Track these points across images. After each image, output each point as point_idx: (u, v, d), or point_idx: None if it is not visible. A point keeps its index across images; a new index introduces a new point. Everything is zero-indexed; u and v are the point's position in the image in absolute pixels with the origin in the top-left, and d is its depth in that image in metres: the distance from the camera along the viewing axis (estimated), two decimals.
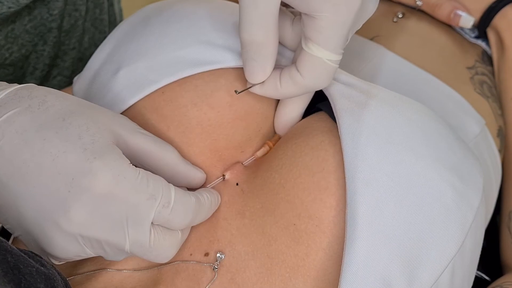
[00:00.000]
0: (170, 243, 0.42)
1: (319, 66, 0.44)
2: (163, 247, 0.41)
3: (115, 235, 0.39)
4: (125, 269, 0.45)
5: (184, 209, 0.41)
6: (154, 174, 0.41)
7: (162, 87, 0.49)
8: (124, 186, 0.39)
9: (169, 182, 0.42)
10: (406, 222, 0.42)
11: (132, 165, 0.41)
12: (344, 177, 0.44)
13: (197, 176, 0.46)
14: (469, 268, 0.47)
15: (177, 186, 0.43)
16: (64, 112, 0.40)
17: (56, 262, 0.42)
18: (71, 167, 0.38)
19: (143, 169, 0.41)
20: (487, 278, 0.67)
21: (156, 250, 0.41)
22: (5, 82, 0.42)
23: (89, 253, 0.40)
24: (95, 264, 0.45)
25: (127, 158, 0.41)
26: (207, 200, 0.44)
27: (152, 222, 0.40)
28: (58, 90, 0.43)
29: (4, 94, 0.40)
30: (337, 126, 0.46)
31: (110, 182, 0.38)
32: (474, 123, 0.65)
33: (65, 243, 0.39)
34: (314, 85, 0.46)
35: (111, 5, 0.83)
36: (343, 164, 0.44)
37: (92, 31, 0.78)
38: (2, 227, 0.47)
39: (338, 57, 0.45)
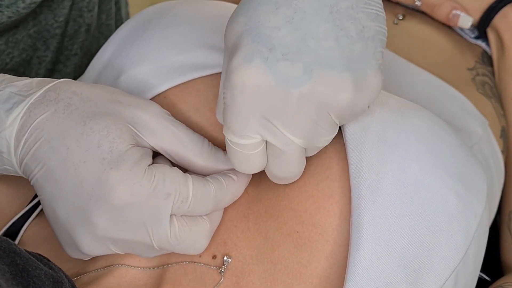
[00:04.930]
0: (198, 233, 0.42)
1: (228, 147, 0.42)
2: (192, 239, 0.42)
3: (140, 235, 0.41)
4: (137, 266, 0.46)
5: (203, 201, 0.42)
6: (172, 169, 0.42)
7: (164, 91, 0.49)
8: (140, 193, 0.40)
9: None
10: (411, 230, 0.42)
11: (151, 165, 0.41)
12: (348, 185, 0.44)
13: (224, 169, 0.45)
14: (472, 275, 0.47)
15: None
16: (86, 115, 0.42)
17: (85, 259, 0.44)
18: (90, 177, 0.40)
19: (160, 166, 0.41)
20: (487, 278, 0.67)
21: (184, 243, 0.42)
22: (37, 79, 0.45)
23: (117, 252, 0.42)
24: (109, 260, 0.46)
25: (151, 152, 0.43)
26: (233, 182, 0.44)
27: (174, 214, 0.41)
28: (84, 84, 0.44)
29: (34, 98, 0.42)
30: (340, 133, 0.46)
31: (126, 192, 0.39)
32: (477, 124, 0.65)
33: (92, 243, 0.41)
34: (236, 167, 0.42)
35: (118, 9, 0.82)
36: (347, 171, 0.44)
37: (97, 36, 0.77)
38: (6, 230, 0.47)
39: (242, 141, 0.40)
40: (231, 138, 0.40)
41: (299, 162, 0.42)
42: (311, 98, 0.38)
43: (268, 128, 0.39)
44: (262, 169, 0.43)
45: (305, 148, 0.42)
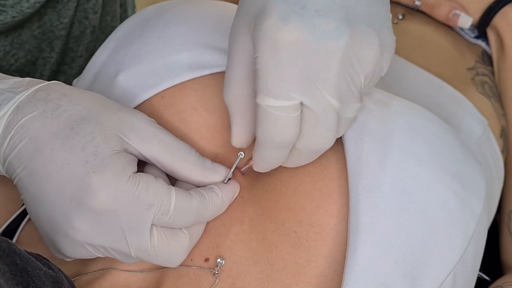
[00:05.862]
0: (176, 247, 0.42)
1: (263, 114, 0.40)
2: (169, 252, 0.42)
3: (119, 243, 0.40)
4: (130, 270, 0.45)
5: (184, 214, 0.42)
6: (156, 180, 0.41)
7: (162, 91, 0.49)
8: (122, 200, 0.39)
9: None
10: (409, 230, 0.42)
11: (135, 173, 0.41)
12: (346, 184, 0.44)
13: (212, 181, 0.45)
14: (471, 274, 0.47)
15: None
16: (74, 119, 0.41)
17: (67, 259, 0.43)
18: (73, 180, 0.39)
19: (145, 175, 0.41)
20: (487, 278, 0.67)
21: (162, 255, 0.42)
22: (28, 78, 0.44)
23: (98, 255, 0.42)
24: (102, 263, 0.46)
25: (138, 160, 0.42)
26: (217, 198, 0.44)
27: (154, 225, 0.41)
28: (75, 88, 0.44)
29: (24, 96, 0.42)
30: None
31: (107, 198, 0.39)
32: (477, 124, 0.65)
33: (72, 247, 0.41)
34: (268, 138, 0.41)
35: (124, 11, 0.82)
36: (345, 171, 0.44)
37: (102, 38, 0.77)
38: (2, 231, 0.47)
39: (281, 103, 0.39)
40: (269, 103, 0.39)
41: (336, 130, 0.41)
42: (346, 53, 0.38)
43: (307, 88, 0.39)
44: (291, 144, 0.41)
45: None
